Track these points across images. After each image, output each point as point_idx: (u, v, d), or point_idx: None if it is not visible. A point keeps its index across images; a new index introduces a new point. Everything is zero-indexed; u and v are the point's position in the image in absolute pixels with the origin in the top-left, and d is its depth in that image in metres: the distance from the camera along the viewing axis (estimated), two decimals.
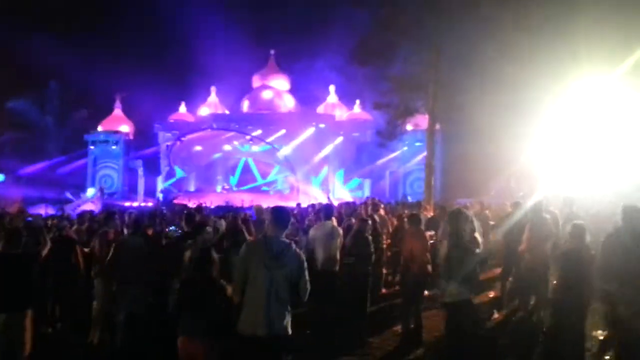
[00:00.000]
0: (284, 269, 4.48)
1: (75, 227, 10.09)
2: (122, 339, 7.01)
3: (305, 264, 4.67)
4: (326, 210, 8.63)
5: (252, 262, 4.50)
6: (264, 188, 43.21)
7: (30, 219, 10.68)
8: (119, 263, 7.15)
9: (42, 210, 21.06)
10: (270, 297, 4.41)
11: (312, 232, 8.19)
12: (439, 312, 7.33)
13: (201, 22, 46.63)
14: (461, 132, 25.64)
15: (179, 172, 42.38)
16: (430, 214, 13.52)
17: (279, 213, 4.78)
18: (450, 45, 18.56)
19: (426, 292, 8.25)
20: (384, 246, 10.66)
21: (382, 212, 12.36)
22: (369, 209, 11.61)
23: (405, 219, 9.87)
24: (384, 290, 10.77)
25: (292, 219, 4.94)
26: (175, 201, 32.00)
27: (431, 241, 9.10)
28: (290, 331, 4.54)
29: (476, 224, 10.55)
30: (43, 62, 40.86)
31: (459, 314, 5.55)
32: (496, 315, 9.07)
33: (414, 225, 8.13)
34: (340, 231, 8.19)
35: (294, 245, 4.69)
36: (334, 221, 8.32)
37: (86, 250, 8.32)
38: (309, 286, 4.64)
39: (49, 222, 11.92)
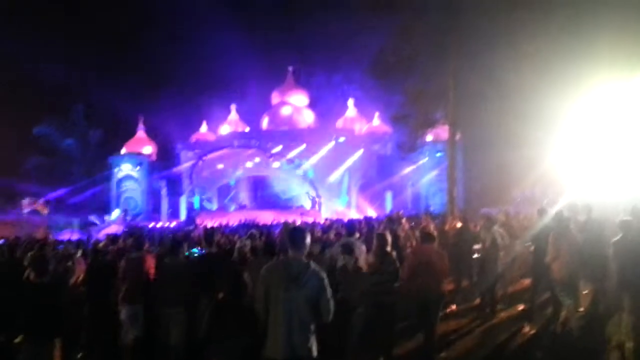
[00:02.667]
0: (304, 290, 4.45)
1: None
2: None
3: (327, 282, 4.59)
4: (348, 227, 8.57)
5: (271, 286, 4.50)
6: (286, 204, 43.29)
7: (61, 246, 10.78)
8: (162, 285, 7.19)
9: (68, 235, 21.33)
10: (292, 321, 4.40)
11: (334, 249, 8.14)
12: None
13: (219, 41, 47.27)
14: (482, 141, 25.46)
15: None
16: (459, 224, 13.31)
17: (295, 234, 4.76)
18: (469, 55, 18.49)
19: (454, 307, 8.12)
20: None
21: (405, 225, 12.25)
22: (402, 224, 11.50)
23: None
24: None
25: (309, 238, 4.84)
26: (198, 221, 32.24)
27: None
28: (315, 354, 4.49)
29: (501, 233, 10.52)
30: (67, 85, 41.86)
31: None
32: (527, 329, 8.94)
33: (427, 242, 7.93)
34: (364, 247, 8.12)
35: (313, 265, 4.64)
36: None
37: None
38: (332, 305, 4.56)
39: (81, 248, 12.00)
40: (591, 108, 16.56)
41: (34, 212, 37.34)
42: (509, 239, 10.60)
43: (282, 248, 7.47)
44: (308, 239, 4.74)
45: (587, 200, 11.11)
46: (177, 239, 8.72)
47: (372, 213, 32.44)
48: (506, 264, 10.62)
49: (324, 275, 4.63)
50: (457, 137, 21.31)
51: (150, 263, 7.69)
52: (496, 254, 9.81)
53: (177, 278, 7.11)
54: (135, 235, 10.06)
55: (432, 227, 13.05)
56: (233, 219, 31.63)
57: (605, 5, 15.33)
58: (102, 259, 8.73)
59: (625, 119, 15.92)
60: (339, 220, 19.98)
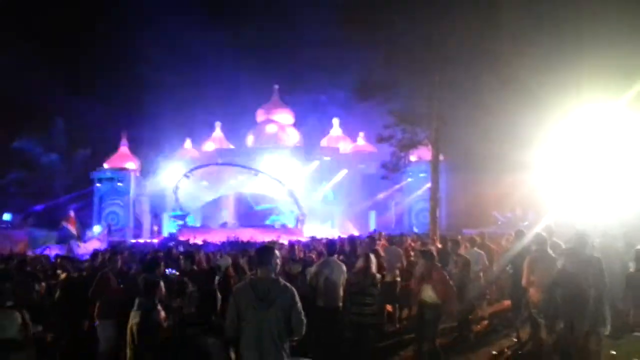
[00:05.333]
0: (274, 308, 4.45)
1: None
2: None
3: (297, 297, 4.60)
4: (329, 246, 8.54)
5: (241, 306, 4.49)
6: (269, 222, 43.13)
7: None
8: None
9: (47, 250, 21.02)
10: (264, 340, 4.39)
11: (315, 267, 8.11)
12: None
13: (205, 58, 47.50)
14: (465, 162, 25.73)
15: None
16: (438, 245, 13.34)
17: (262, 252, 4.78)
18: (452, 78, 18.73)
19: None
20: (395, 280, 10.51)
21: (384, 244, 12.17)
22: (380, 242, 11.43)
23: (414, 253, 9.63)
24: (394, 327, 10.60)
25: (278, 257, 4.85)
26: (181, 237, 31.95)
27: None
28: None
29: (477, 255, 10.54)
30: (48, 100, 41.50)
31: None
32: (506, 350, 8.93)
33: (428, 261, 7.95)
34: (344, 267, 8.10)
35: (282, 281, 4.66)
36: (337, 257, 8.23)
37: None
38: (304, 318, 4.56)
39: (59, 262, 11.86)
40: (572, 131, 16.80)
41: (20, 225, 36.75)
42: (485, 262, 10.63)
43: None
44: (277, 257, 4.75)
45: (568, 222, 11.24)
46: (154, 258, 8.67)
47: (355, 232, 32.43)
48: (484, 285, 10.64)
49: (293, 290, 4.64)
50: (441, 158, 21.49)
51: (113, 280, 7.68)
52: (468, 276, 9.79)
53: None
54: (111, 252, 9.98)
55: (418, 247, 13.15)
56: (216, 236, 31.40)
57: (585, 30, 15.64)
58: (78, 275, 8.67)
59: (605, 142, 16.17)
60: (321, 239, 19.93)
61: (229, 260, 10.37)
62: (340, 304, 7.78)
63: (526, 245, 8.92)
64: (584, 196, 16.81)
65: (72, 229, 27.10)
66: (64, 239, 25.19)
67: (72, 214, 28.38)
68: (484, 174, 24.98)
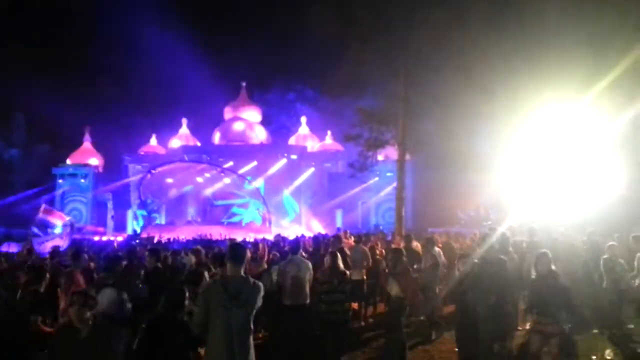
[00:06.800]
0: (245, 307, 4.48)
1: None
2: None
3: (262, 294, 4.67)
4: (292, 244, 8.55)
5: (211, 305, 4.46)
6: (235, 219, 42.91)
7: None
8: None
9: (6, 247, 20.51)
10: (232, 338, 4.39)
11: (281, 266, 8.13)
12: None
13: (172, 54, 46.92)
14: (431, 162, 26.00)
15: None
16: (401, 244, 13.48)
17: (235, 250, 4.78)
18: (418, 78, 18.92)
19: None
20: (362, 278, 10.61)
21: (351, 243, 12.27)
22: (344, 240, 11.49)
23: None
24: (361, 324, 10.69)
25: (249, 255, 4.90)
26: (144, 234, 31.51)
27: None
28: None
29: (438, 253, 10.73)
30: (8, 93, 40.35)
31: None
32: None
33: (396, 255, 8.06)
34: (310, 265, 8.13)
35: (251, 279, 4.68)
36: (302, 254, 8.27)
37: None
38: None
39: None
40: (534, 131, 17.18)
41: None
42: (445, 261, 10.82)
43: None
44: (248, 255, 4.77)
45: (530, 223, 11.47)
46: (116, 257, 8.57)
47: (321, 230, 32.53)
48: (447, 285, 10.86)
49: (261, 286, 4.68)
50: (407, 157, 21.69)
51: (80, 279, 7.53)
52: (436, 275, 9.95)
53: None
54: (73, 249, 9.82)
55: (380, 246, 13.28)
56: (182, 233, 31.09)
57: (552, 31, 15.98)
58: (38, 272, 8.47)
59: (567, 142, 16.59)
60: (286, 238, 19.94)
61: (193, 259, 10.25)
62: (308, 302, 7.82)
63: (491, 245, 9.04)
64: (546, 195, 17.24)
65: (51, 218, 26.83)
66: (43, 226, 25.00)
67: (43, 206, 28.04)
68: (450, 173, 25.30)
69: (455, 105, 18.15)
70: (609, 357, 7.50)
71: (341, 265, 7.95)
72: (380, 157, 28.55)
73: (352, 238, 13.13)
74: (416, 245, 11.89)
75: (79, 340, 4.17)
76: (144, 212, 40.81)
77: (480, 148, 19.92)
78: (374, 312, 11.46)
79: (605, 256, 9.05)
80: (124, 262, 8.21)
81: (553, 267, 6.67)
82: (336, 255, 7.92)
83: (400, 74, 19.05)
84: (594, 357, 7.62)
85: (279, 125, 48.02)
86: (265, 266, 9.24)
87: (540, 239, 10.34)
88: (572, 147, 16.54)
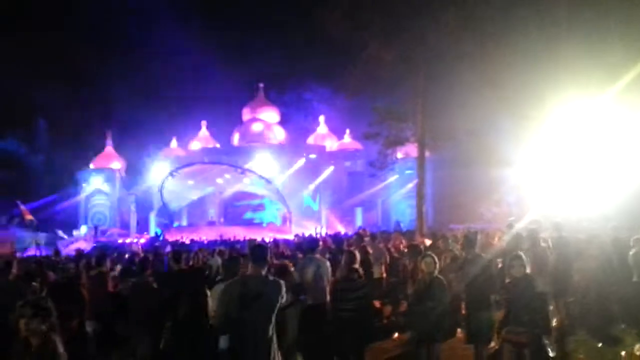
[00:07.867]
0: (266, 306, 4.48)
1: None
2: None
3: (284, 292, 4.67)
4: (309, 244, 8.55)
5: (231, 305, 4.48)
6: (257, 220, 43.10)
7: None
8: (127, 305, 7.08)
9: (34, 251, 20.87)
10: (255, 338, 4.40)
11: (299, 266, 8.11)
12: None
13: (191, 57, 47.24)
14: (451, 158, 25.87)
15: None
16: (427, 241, 13.38)
17: (258, 250, 4.81)
18: (437, 74, 18.83)
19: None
20: (381, 276, 10.57)
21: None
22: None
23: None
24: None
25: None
26: (168, 236, 31.83)
27: None
28: None
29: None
30: (30, 99, 40.98)
31: None
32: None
33: (414, 257, 7.98)
34: (328, 264, 8.10)
35: (271, 278, 4.72)
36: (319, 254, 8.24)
37: None
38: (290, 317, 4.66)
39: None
40: (556, 127, 16.98)
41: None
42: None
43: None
44: (268, 254, 4.80)
45: (555, 218, 11.32)
46: (144, 260, 8.61)
47: (342, 229, 32.52)
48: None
49: (282, 284, 4.69)
50: (427, 154, 21.60)
51: (109, 281, 7.62)
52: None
53: (142, 298, 7.00)
54: (99, 252, 9.93)
55: (402, 245, 13.17)
56: (204, 235, 31.34)
57: (568, 28, 15.79)
58: (65, 275, 8.63)
59: (589, 137, 16.36)
60: (308, 237, 19.97)
61: (219, 261, 10.27)
62: (327, 300, 7.79)
63: (518, 238, 8.94)
64: (568, 191, 17.02)
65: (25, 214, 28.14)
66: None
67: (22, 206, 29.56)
68: (470, 169, 25.14)
69: (474, 101, 18.02)
70: (638, 353, 7.37)
71: (357, 263, 7.86)
72: (399, 155, 28.47)
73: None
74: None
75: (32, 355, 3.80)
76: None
77: (501, 144, 19.74)
78: (394, 311, 11.41)
79: (633, 250, 8.89)
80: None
81: (528, 270, 6.38)
82: (352, 253, 7.85)
83: (419, 71, 18.94)
84: (623, 353, 7.50)
85: (297, 125, 47.99)
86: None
87: (568, 233, 10.21)
88: (593, 141, 16.32)
